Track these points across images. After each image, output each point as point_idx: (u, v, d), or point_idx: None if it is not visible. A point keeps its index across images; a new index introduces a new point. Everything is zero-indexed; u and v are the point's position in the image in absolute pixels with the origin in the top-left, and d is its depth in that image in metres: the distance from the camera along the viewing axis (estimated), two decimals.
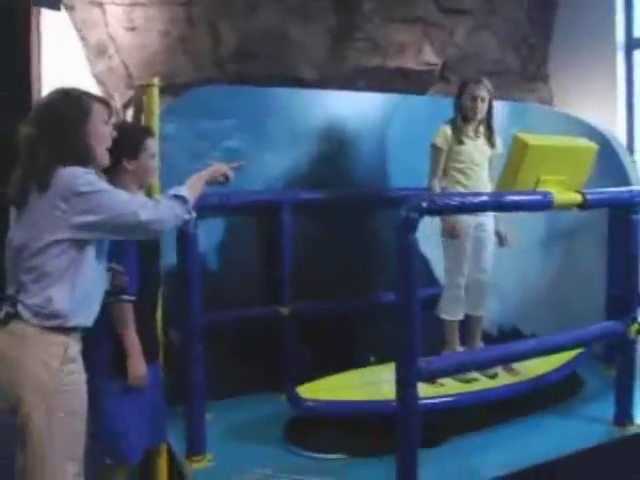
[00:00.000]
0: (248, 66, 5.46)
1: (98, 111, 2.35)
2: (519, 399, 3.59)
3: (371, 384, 3.51)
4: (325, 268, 4.06)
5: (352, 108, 4.21)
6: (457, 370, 3.10)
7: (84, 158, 2.30)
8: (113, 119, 2.49)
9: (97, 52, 5.25)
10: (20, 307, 2.24)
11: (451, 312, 3.76)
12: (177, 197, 2.42)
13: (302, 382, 3.53)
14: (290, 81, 5.28)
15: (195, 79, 5.14)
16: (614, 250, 4.09)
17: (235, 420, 3.62)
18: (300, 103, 4.07)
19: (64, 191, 2.20)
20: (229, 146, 3.84)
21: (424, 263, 4.21)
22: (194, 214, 2.60)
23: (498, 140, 3.81)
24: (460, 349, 3.80)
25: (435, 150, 3.72)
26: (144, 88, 3.02)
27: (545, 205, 3.08)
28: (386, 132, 4.30)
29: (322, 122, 4.11)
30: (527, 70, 6.18)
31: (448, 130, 3.71)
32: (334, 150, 4.15)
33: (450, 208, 2.87)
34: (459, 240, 3.66)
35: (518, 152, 3.08)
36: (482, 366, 3.25)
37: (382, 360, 3.70)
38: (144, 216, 2.27)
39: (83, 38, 5.23)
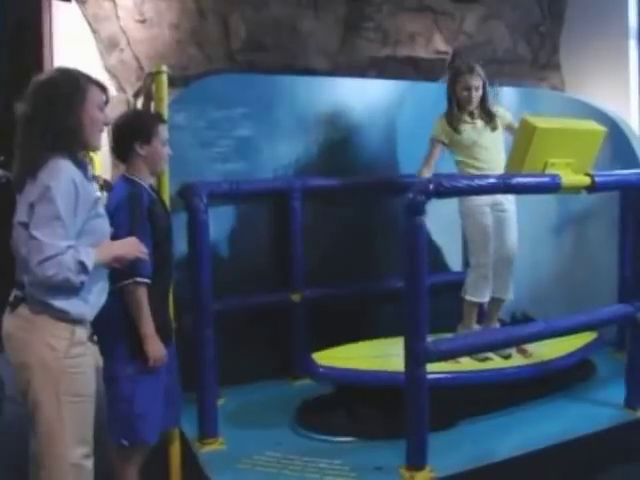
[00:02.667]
0: (259, 57, 5.50)
1: (94, 94, 2.36)
2: (531, 382, 3.58)
3: (388, 355, 3.49)
4: (335, 255, 4.08)
5: (361, 95, 4.21)
6: (464, 352, 3.11)
7: (75, 138, 2.30)
8: (110, 107, 2.50)
9: (109, 45, 5.30)
10: (27, 291, 2.26)
11: (476, 294, 3.72)
12: (82, 264, 2.21)
13: None
14: (301, 72, 5.31)
15: (206, 71, 5.18)
16: (625, 234, 4.07)
17: (246, 405, 3.66)
18: (309, 91, 4.08)
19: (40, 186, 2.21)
20: (239, 134, 3.86)
21: (434, 249, 4.23)
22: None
23: (498, 121, 3.76)
24: (476, 327, 3.79)
25: (431, 142, 3.71)
26: (153, 76, 3.05)
27: (553, 187, 3.08)
28: (395, 119, 4.30)
29: (331, 110, 4.12)
30: (538, 58, 6.16)
31: (444, 122, 3.69)
32: (343, 137, 4.16)
33: (457, 190, 2.88)
34: (477, 218, 3.64)
35: (526, 135, 3.08)
36: (491, 348, 3.25)
37: None
38: (44, 268, 2.15)
39: (95, 31, 5.28)
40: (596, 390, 3.75)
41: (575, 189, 3.19)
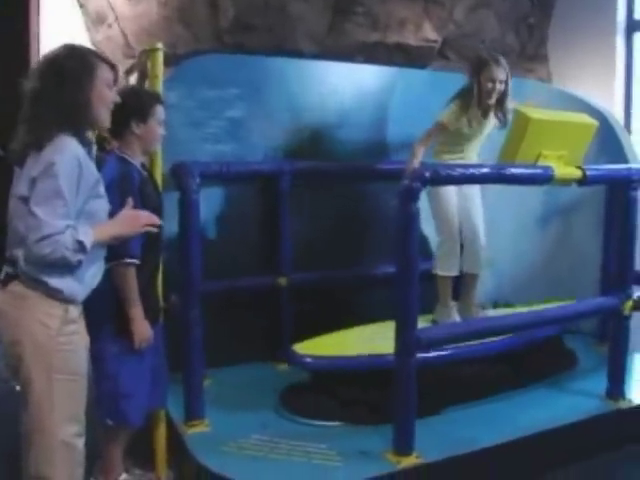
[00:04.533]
0: (246, 38, 5.42)
1: (103, 72, 2.32)
2: (513, 364, 3.64)
3: (368, 341, 3.55)
4: (322, 239, 4.07)
5: (352, 80, 4.21)
6: (455, 340, 3.13)
7: (84, 117, 2.28)
8: (117, 85, 2.48)
9: (96, 20, 5.21)
10: (20, 267, 2.23)
11: (445, 267, 3.74)
12: (80, 243, 2.18)
13: None
14: (288, 54, 5.26)
15: (194, 50, 5.10)
16: (610, 227, 4.12)
17: (232, 387, 3.66)
18: (301, 74, 4.06)
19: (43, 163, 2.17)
20: (229, 115, 3.83)
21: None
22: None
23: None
24: (452, 304, 3.81)
25: (438, 125, 3.62)
26: (148, 53, 3.00)
27: (546, 179, 3.11)
28: (386, 104, 4.29)
29: (322, 93, 4.11)
30: (526, 50, 6.16)
31: (460, 111, 3.59)
32: (333, 121, 4.15)
33: (452, 179, 2.89)
34: (442, 196, 3.64)
35: (520, 126, 3.10)
36: (481, 336, 3.28)
37: None
38: (40, 246, 2.12)
39: (82, 6, 5.19)
40: (578, 381, 3.81)
41: (566, 182, 3.22)
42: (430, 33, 5.82)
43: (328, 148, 4.10)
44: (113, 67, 2.39)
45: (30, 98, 2.26)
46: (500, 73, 3.57)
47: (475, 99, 3.59)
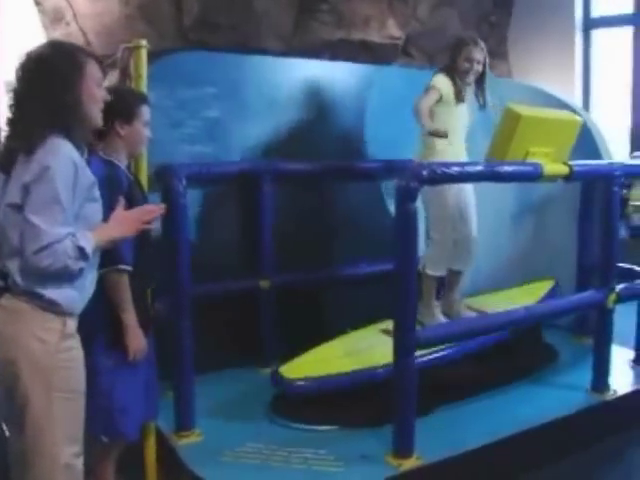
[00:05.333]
0: (211, 36, 5.32)
1: (92, 69, 2.20)
2: (492, 361, 3.65)
3: (353, 353, 3.49)
4: (304, 239, 4.01)
5: (330, 78, 4.14)
6: (453, 339, 3.13)
7: (75, 117, 2.15)
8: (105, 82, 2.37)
9: (53, 18, 5.02)
10: (12, 280, 2.10)
11: (435, 268, 3.71)
12: (81, 250, 2.07)
13: (283, 356, 3.51)
14: (253, 52, 5.18)
15: (157, 48, 4.97)
16: (585, 222, 4.18)
17: (219, 394, 3.55)
18: (277, 71, 3.98)
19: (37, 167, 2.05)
20: (207, 114, 3.73)
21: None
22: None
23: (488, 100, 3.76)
24: (436, 304, 3.79)
25: (431, 89, 3.56)
26: (131, 50, 2.88)
27: (535, 176, 3.12)
28: (365, 102, 4.25)
29: (300, 91, 4.03)
30: (487, 47, 6.23)
31: (447, 79, 3.61)
32: (311, 120, 4.08)
33: (449, 177, 2.87)
34: (442, 195, 3.61)
35: (510, 123, 3.10)
36: (477, 334, 3.27)
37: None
38: (39, 258, 2.01)
39: (38, 3, 4.99)
40: (561, 376, 3.84)
41: (554, 178, 3.24)
42: (394, 30, 5.84)
43: (306, 147, 4.03)
44: (101, 63, 2.28)
45: (16, 99, 2.13)
46: (477, 53, 3.65)
47: (455, 76, 3.64)
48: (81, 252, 2.07)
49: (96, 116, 2.24)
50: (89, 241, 2.10)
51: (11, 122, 2.15)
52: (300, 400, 3.34)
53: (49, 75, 2.11)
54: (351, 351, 3.52)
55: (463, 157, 3.72)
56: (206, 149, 3.72)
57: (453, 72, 3.65)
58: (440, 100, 3.59)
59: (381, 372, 3.22)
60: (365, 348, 3.52)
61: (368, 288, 4.00)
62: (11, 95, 2.15)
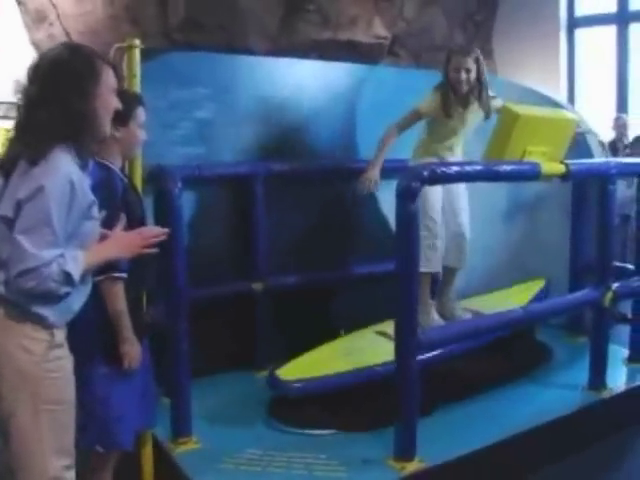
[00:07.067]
0: (196, 36, 5.29)
1: (108, 76, 2.11)
2: (486, 361, 3.65)
3: (350, 354, 3.46)
4: (298, 241, 3.97)
5: (323, 78, 4.09)
6: (455, 340, 3.10)
7: (87, 128, 2.05)
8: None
9: (36, 18, 4.95)
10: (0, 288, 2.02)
11: (426, 263, 3.58)
12: (67, 275, 1.98)
13: (277, 359, 3.46)
14: (239, 52, 5.13)
15: (147, 48, 4.91)
16: (578, 221, 4.18)
17: (215, 399, 3.49)
18: (270, 71, 3.91)
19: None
20: (198, 115, 3.66)
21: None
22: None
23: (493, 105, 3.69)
24: (431, 303, 3.76)
25: (413, 112, 3.58)
26: (124, 50, 2.82)
27: (533, 175, 3.12)
28: (356, 102, 4.20)
29: (293, 91, 3.98)
30: (473, 45, 6.26)
31: (438, 100, 3.57)
32: (302, 120, 4.02)
33: (449, 177, 2.86)
34: (430, 190, 3.50)
35: (508, 123, 3.09)
36: (479, 335, 3.25)
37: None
38: (23, 280, 1.93)
39: (20, 3, 4.91)
40: (557, 375, 3.84)
41: (551, 177, 3.23)
42: (381, 30, 5.83)
43: (297, 147, 3.98)
44: (115, 69, 2.17)
45: (27, 104, 2.04)
46: (464, 62, 3.56)
47: (449, 89, 3.58)
48: (67, 277, 1.97)
49: (107, 127, 2.16)
50: (78, 264, 2.01)
51: (19, 126, 2.06)
52: (299, 404, 3.30)
53: (66, 80, 2.01)
54: (347, 352, 3.50)
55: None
56: (198, 150, 3.65)
57: (446, 86, 3.60)
58: (429, 119, 3.61)
59: (379, 370, 3.20)
60: (361, 349, 3.49)
61: (364, 290, 3.97)
62: (21, 97, 2.06)
